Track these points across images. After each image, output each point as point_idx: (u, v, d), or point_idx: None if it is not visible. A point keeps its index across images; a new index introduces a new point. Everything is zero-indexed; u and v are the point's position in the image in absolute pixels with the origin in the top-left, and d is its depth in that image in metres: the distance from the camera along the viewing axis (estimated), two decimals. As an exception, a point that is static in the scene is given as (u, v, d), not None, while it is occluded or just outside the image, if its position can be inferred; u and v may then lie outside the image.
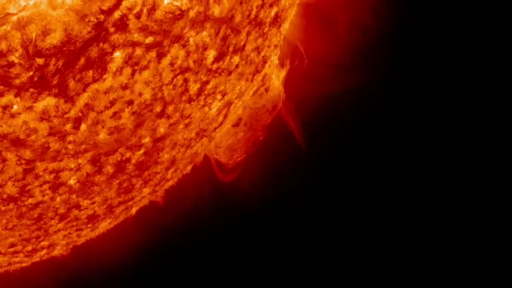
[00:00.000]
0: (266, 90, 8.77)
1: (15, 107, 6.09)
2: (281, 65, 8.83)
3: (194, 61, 6.72)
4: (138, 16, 6.06)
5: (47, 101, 6.16)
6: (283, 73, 8.87)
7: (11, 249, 8.03)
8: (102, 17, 5.87)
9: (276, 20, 7.62)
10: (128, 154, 7.20)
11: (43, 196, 7.11)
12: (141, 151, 7.28)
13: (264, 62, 8.00)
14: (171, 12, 6.19)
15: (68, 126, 6.41)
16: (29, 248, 8.19)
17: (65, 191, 7.21)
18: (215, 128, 8.16)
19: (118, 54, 6.19)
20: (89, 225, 8.29)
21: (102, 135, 6.71)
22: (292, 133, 9.95)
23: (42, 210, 7.39)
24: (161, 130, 7.19)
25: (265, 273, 11.01)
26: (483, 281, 10.59)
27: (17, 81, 5.93)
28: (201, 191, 10.10)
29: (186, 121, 7.37)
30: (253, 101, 8.83)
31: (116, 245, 9.85)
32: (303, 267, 10.98)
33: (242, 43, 7.13)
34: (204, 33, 6.58)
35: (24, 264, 8.90)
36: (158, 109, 6.88)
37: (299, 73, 9.25)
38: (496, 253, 10.54)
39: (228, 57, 7.05)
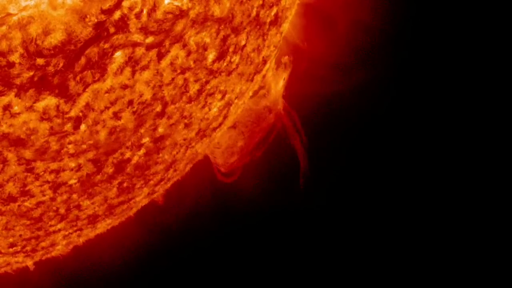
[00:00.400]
0: (267, 92, 8.77)
1: (15, 107, 6.09)
2: (281, 66, 8.83)
3: (194, 61, 6.72)
4: (138, 16, 6.06)
5: (48, 101, 6.16)
6: (283, 75, 8.88)
7: (11, 249, 8.03)
8: (102, 17, 5.88)
9: (276, 20, 7.62)
10: (128, 154, 7.20)
11: (43, 196, 7.11)
12: (141, 151, 7.28)
13: (264, 62, 8.00)
14: (171, 12, 6.20)
15: (69, 126, 6.41)
16: (29, 248, 8.19)
17: (66, 191, 7.21)
18: (215, 128, 8.17)
19: (118, 54, 6.19)
20: (89, 225, 8.29)
21: (102, 135, 6.71)
22: (292, 133, 9.95)
23: (42, 210, 7.39)
24: (161, 130, 7.19)
25: (265, 274, 11.01)
26: (483, 281, 10.59)
27: (18, 81, 5.93)
28: (201, 191, 10.11)
29: (186, 121, 7.37)
30: (253, 103, 8.83)
31: (116, 245, 9.85)
32: (303, 268, 10.98)
33: (242, 43, 7.13)
34: (205, 33, 6.58)
35: (24, 264, 8.90)
36: (158, 109, 6.88)
37: (299, 73, 9.25)
38: (496, 253, 10.55)
39: (228, 57, 7.06)
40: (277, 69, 8.82)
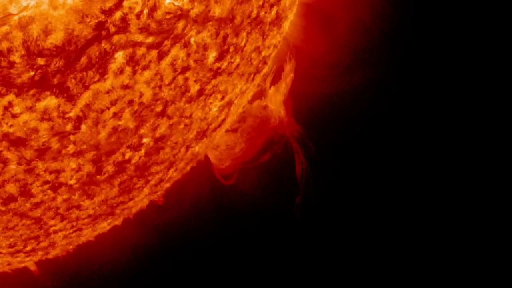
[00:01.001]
0: (270, 101, 8.78)
1: (16, 107, 6.09)
2: (283, 79, 8.86)
3: (195, 61, 6.72)
4: (139, 16, 6.06)
5: (48, 101, 6.16)
6: (285, 88, 8.90)
7: (12, 249, 8.02)
8: (103, 17, 5.88)
9: (277, 20, 7.62)
10: (128, 154, 7.20)
11: (44, 196, 7.11)
12: (142, 151, 7.28)
13: (264, 62, 8.01)
14: (172, 13, 6.19)
15: (69, 126, 6.41)
16: (30, 248, 8.19)
17: (66, 191, 7.21)
18: (216, 128, 8.17)
19: (119, 54, 6.19)
20: (89, 225, 8.29)
21: (103, 135, 6.71)
22: (292, 133, 9.95)
23: (42, 210, 7.39)
24: (162, 130, 7.19)
25: (264, 274, 11.02)
26: (483, 281, 10.60)
27: (18, 81, 5.93)
28: (201, 191, 10.10)
29: (187, 121, 7.37)
30: (256, 111, 8.84)
31: (116, 245, 9.85)
32: (302, 268, 10.98)
33: (242, 43, 7.14)
34: (205, 33, 6.58)
35: (24, 264, 8.90)
36: (158, 109, 6.88)
37: (299, 73, 9.25)
38: (496, 253, 10.55)
39: (228, 57, 7.06)
40: (279, 81, 8.85)
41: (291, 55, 8.93)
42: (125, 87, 6.45)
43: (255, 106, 8.86)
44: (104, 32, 6.00)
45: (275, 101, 9.01)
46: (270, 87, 8.94)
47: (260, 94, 8.88)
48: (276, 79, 9.01)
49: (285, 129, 9.59)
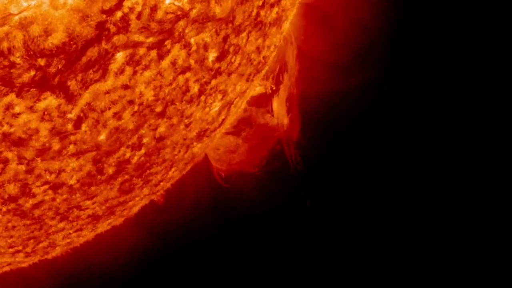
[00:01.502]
0: (273, 111, 8.79)
1: (16, 107, 6.09)
2: (283, 73, 8.85)
3: (195, 61, 6.73)
4: (139, 16, 6.06)
5: (49, 101, 6.16)
6: (286, 85, 8.90)
7: (11, 249, 8.03)
8: (103, 17, 5.88)
9: (277, 20, 7.62)
10: (128, 154, 7.20)
11: (44, 196, 7.11)
12: (142, 151, 7.28)
13: (265, 62, 8.01)
14: (172, 13, 6.20)
15: (69, 126, 6.41)
16: (29, 248, 8.19)
17: (66, 191, 7.21)
18: (216, 128, 8.17)
19: (119, 55, 6.19)
20: (89, 225, 8.29)
21: (103, 135, 6.71)
22: (291, 133, 9.96)
23: (42, 210, 7.39)
24: (162, 130, 7.19)
25: (264, 274, 11.02)
26: (483, 281, 10.60)
27: (19, 81, 5.93)
28: (201, 191, 10.11)
29: (187, 121, 7.38)
30: (259, 115, 8.85)
31: (116, 245, 9.85)
32: (301, 268, 10.99)
33: (242, 43, 7.14)
34: (205, 33, 6.59)
35: (24, 264, 8.90)
36: (159, 109, 6.88)
37: (299, 73, 9.26)
38: (496, 253, 10.56)
39: (229, 57, 7.06)
40: (281, 83, 8.85)
41: (292, 55, 8.93)
42: (125, 87, 6.46)
43: (259, 111, 8.86)
44: (104, 32, 6.01)
45: (278, 105, 9.01)
46: (272, 89, 8.94)
47: (263, 97, 8.88)
48: (277, 80, 9.01)
49: (286, 131, 9.60)
